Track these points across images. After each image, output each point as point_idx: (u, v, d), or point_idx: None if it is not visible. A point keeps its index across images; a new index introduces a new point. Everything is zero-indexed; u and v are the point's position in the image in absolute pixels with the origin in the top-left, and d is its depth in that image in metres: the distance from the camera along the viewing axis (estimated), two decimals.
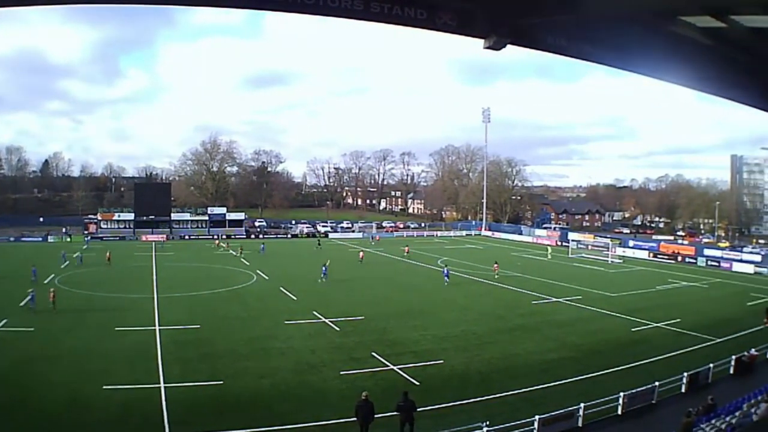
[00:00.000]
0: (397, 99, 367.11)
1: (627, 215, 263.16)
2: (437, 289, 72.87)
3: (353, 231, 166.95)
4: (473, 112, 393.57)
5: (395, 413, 28.57)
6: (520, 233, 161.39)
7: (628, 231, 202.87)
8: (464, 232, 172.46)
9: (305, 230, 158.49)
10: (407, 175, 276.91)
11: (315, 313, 55.72)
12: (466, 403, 33.51)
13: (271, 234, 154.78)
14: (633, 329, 53.39)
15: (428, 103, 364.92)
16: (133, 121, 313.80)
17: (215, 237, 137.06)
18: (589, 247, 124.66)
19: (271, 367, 39.72)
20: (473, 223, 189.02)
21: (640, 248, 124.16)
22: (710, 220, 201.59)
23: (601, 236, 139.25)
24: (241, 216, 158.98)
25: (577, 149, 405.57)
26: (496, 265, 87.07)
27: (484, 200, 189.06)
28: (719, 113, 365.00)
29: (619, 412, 32.45)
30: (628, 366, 41.26)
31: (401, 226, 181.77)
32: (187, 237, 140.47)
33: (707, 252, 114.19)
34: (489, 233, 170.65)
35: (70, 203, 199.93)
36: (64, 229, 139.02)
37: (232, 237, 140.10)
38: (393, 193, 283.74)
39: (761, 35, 21.24)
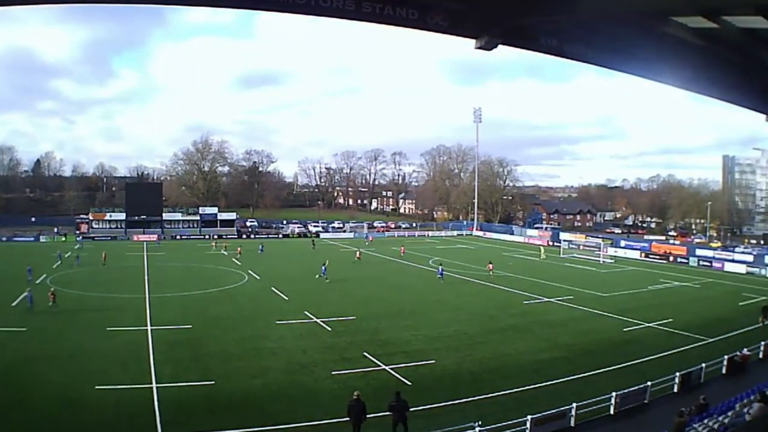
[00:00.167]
0: (388, 99, 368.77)
1: (618, 215, 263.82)
2: (429, 289, 72.91)
3: (344, 231, 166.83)
4: (464, 112, 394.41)
5: (387, 413, 28.55)
6: (512, 233, 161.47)
7: (620, 231, 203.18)
8: (455, 232, 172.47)
9: (296, 230, 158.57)
10: (398, 175, 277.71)
11: (306, 313, 55.67)
12: (457, 403, 33.50)
13: (263, 234, 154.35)
14: (625, 329, 53.44)
15: (419, 103, 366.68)
16: (124, 120, 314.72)
17: (213, 238, 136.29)
18: (581, 247, 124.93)
19: (262, 367, 39.67)
20: (464, 223, 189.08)
21: (632, 248, 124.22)
22: (702, 221, 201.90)
23: (592, 236, 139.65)
24: (232, 216, 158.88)
25: (569, 149, 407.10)
26: (490, 265, 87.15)
27: (476, 200, 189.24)
28: (711, 114, 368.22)
29: (612, 411, 32.48)
30: (620, 366, 41.30)
31: (392, 226, 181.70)
32: (178, 237, 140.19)
33: (699, 252, 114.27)
34: (480, 233, 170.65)
35: (61, 203, 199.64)
36: (56, 229, 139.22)
37: (224, 237, 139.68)
38: (384, 193, 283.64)
39: (753, 36, 21.27)
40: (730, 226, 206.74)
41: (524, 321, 55.82)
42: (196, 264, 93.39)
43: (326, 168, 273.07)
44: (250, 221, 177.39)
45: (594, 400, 32.09)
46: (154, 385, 35.30)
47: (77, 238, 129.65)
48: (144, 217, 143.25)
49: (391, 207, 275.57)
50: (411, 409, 28.73)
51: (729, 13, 19.59)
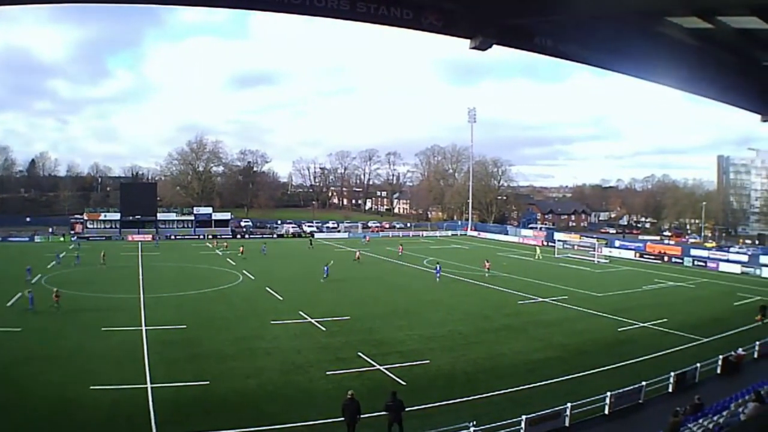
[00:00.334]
0: (383, 99, 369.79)
1: (613, 215, 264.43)
2: (423, 289, 72.97)
3: (339, 231, 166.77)
4: (459, 112, 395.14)
5: (382, 413, 28.55)
6: (506, 233, 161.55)
7: (615, 231, 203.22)
8: (450, 232, 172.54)
9: (291, 230, 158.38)
10: (393, 175, 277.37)
11: (301, 313, 55.61)
12: (452, 403, 33.50)
13: (257, 234, 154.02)
14: (620, 329, 53.46)
15: (414, 103, 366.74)
16: (119, 120, 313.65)
17: (213, 238, 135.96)
18: (575, 247, 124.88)
19: (257, 368, 39.62)
20: (459, 223, 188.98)
21: (627, 248, 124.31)
22: (697, 221, 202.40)
23: (587, 236, 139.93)
24: (227, 216, 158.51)
25: (563, 149, 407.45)
26: (487, 263, 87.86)
27: (470, 200, 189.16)
28: (706, 114, 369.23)
29: (606, 411, 32.49)
30: (614, 366, 41.30)
31: (387, 226, 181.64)
32: (173, 237, 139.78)
33: (694, 252, 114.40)
34: (475, 233, 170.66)
35: (56, 203, 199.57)
36: (50, 229, 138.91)
37: (219, 237, 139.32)
38: (379, 193, 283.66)
39: (748, 36, 21.29)
40: (725, 226, 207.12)
41: (519, 321, 55.81)
42: (191, 264, 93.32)
43: (321, 168, 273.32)
44: (245, 221, 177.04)
45: (589, 399, 32.09)
46: (149, 385, 35.22)
47: (71, 239, 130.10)
48: (138, 217, 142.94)
49: (385, 207, 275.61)
50: (406, 409, 28.67)
51: (724, 13, 19.61)
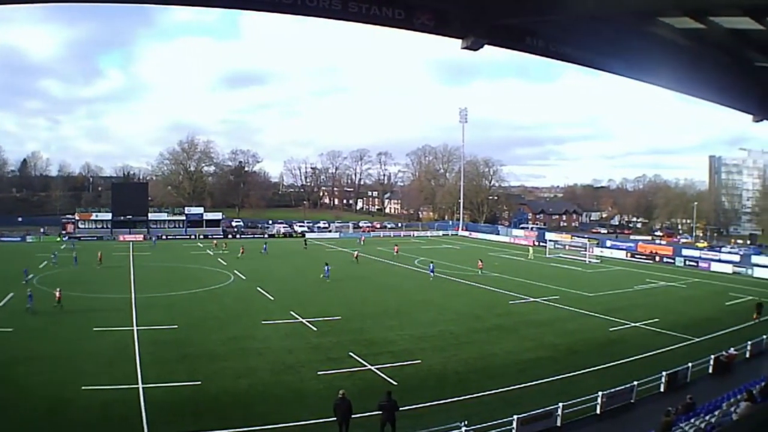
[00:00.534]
0: (374, 99, 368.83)
1: (605, 215, 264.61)
2: (414, 289, 73.00)
3: (330, 231, 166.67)
4: (450, 112, 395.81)
5: (373, 413, 28.63)
6: (497, 233, 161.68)
7: (606, 231, 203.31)
8: (441, 232, 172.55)
9: (282, 230, 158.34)
10: (384, 175, 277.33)
11: (292, 313, 55.58)
12: (443, 403, 33.51)
13: (248, 234, 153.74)
14: (611, 329, 53.53)
15: (406, 103, 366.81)
16: (110, 120, 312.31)
17: (215, 239, 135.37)
18: (567, 247, 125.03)
19: (248, 368, 39.59)
20: (450, 223, 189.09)
21: (618, 248, 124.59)
22: (688, 221, 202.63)
23: (578, 236, 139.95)
24: (218, 216, 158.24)
25: (555, 149, 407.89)
26: (480, 263, 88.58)
27: (461, 200, 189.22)
28: (698, 114, 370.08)
29: (598, 411, 32.55)
30: (606, 365, 41.37)
31: (378, 226, 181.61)
32: (164, 237, 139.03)
33: (685, 252, 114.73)
34: (466, 233, 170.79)
35: (48, 203, 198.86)
36: (42, 229, 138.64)
37: (210, 237, 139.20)
38: (370, 193, 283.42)
39: (741, 37, 21.29)
40: (717, 226, 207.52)
41: (510, 321, 55.86)
42: (182, 264, 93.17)
43: (312, 168, 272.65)
44: (236, 221, 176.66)
45: (580, 399, 32.15)
46: (140, 385, 35.16)
47: (64, 238, 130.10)
48: (130, 217, 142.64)
49: (376, 207, 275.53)
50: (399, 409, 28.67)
51: (716, 13, 19.61)
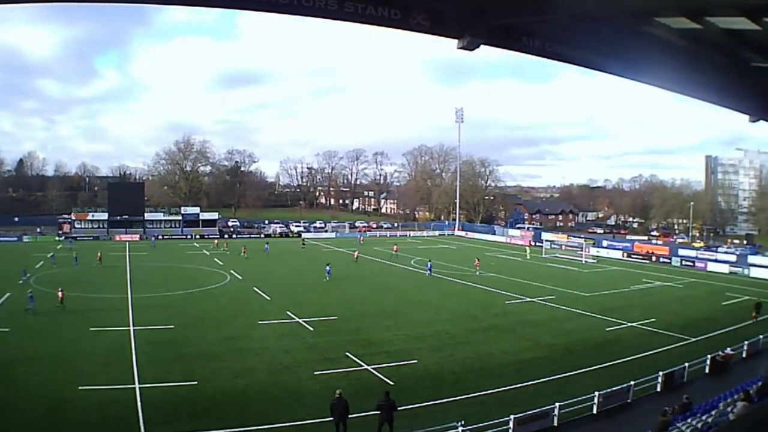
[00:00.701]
0: (370, 99, 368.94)
1: (601, 215, 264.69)
2: (411, 289, 73.05)
3: (326, 231, 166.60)
4: (446, 112, 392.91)
5: (370, 413, 28.65)
6: (494, 233, 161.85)
7: (602, 231, 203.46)
8: (437, 232, 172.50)
9: (278, 230, 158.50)
10: (380, 175, 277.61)
11: (289, 312, 55.58)
12: (440, 403, 33.54)
13: (245, 234, 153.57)
14: (608, 329, 53.59)
15: (402, 103, 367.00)
16: (106, 120, 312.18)
17: (216, 239, 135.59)
18: (563, 247, 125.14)
19: (245, 368, 39.59)
20: (446, 223, 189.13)
21: (614, 248, 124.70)
22: (684, 221, 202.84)
23: (574, 236, 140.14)
24: (214, 216, 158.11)
25: (551, 149, 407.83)
26: (477, 262, 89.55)
27: (457, 200, 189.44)
28: (695, 114, 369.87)
29: (594, 411, 32.59)
30: (602, 365, 41.41)
31: (374, 226, 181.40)
32: (160, 237, 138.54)
33: (682, 252, 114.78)
34: (462, 233, 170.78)
35: (44, 203, 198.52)
36: (38, 229, 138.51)
37: (206, 237, 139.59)
38: (366, 193, 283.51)
39: (737, 37, 21.30)
40: (713, 226, 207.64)
41: (506, 321, 55.90)
42: (178, 264, 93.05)
43: (308, 168, 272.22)
44: (232, 221, 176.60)
45: (577, 399, 32.19)
46: (137, 385, 35.14)
47: (60, 238, 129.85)
48: (126, 216, 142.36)
49: (372, 207, 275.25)
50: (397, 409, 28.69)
51: (712, 13, 19.62)
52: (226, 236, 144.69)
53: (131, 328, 48.98)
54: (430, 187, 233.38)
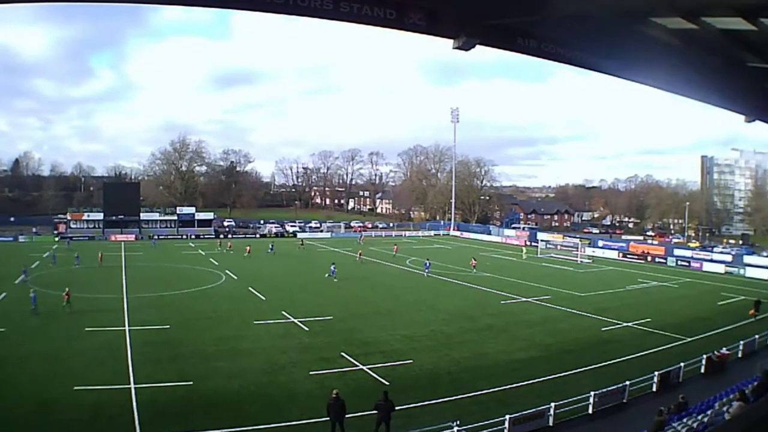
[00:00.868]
0: (366, 98, 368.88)
1: (596, 215, 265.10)
2: (406, 289, 73.09)
3: (321, 231, 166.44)
4: (442, 112, 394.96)
5: (366, 413, 28.72)
6: (489, 233, 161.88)
7: (598, 231, 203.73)
8: (432, 232, 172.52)
9: (273, 230, 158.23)
10: (375, 175, 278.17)
11: (284, 313, 55.53)
12: (435, 403, 33.55)
13: (240, 234, 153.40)
14: (603, 329, 53.64)
15: (397, 103, 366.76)
16: (102, 120, 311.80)
17: (219, 238, 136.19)
18: (558, 247, 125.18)
19: (240, 368, 39.49)
20: (442, 223, 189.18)
21: (610, 248, 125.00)
22: (680, 221, 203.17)
23: (570, 236, 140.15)
24: (210, 216, 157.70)
25: (546, 149, 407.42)
26: (474, 261, 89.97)
27: (453, 200, 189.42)
28: (690, 114, 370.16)
29: (590, 411, 32.62)
30: (598, 365, 41.46)
31: (369, 226, 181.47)
32: (156, 237, 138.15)
33: (677, 252, 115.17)
34: (457, 233, 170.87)
35: (40, 203, 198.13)
36: (34, 229, 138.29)
37: (201, 237, 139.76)
38: (361, 193, 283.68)
39: (733, 37, 21.30)
40: (709, 226, 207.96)
41: (502, 321, 55.88)
42: (174, 264, 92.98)
43: (303, 168, 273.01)
44: (228, 221, 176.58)
45: (572, 399, 32.23)
46: (132, 385, 35.11)
47: (56, 238, 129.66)
48: (122, 216, 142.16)
49: (368, 207, 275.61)
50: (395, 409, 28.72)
51: (708, 14, 19.59)
52: (221, 236, 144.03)
53: (126, 328, 48.88)
54: (425, 187, 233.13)
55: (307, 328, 50.30)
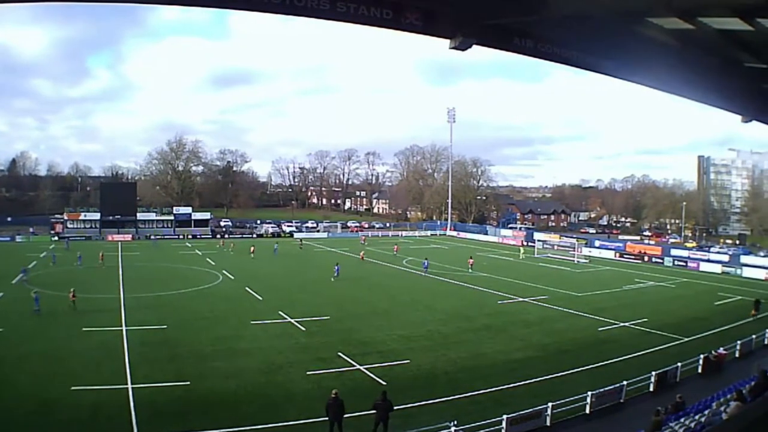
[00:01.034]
0: (363, 98, 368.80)
1: (593, 215, 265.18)
2: (403, 289, 73.06)
3: (318, 231, 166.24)
4: (439, 112, 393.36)
5: (363, 413, 28.74)
6: (486, 233, 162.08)
7: (594, 231, 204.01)
8: (429, 232, 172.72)
9: (270, 230, 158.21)
10: (372, 174, 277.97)
11: (281, 313, 55.51)
12: (433, 403, 33.54)
13: (237, 234, 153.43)
14: (600, 329, 53.63)
15: (394, 103, 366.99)
16: (99, 120, 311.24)
17: (222, 238, 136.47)
18: (555, 247, 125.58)
19: (237, 368, 39.45)
20: (438, 223, 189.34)
21: (607, 248, 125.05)
22: (677, 221, 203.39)
23: (567, 236, 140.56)
24: (206, 216, 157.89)
25: (543, 149, 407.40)
26: (471, 261, 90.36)
27: (449, 200, 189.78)
28: (687, 114, 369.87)
29: (587, 411, 32.63)
30: (595, 365, 41.46)
31: (366, 226, 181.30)
32: (152, 237, 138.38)
33: (674, 252, 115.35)
34: (454, 233, 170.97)
35: (37, 203, 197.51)
36: (31, 229, 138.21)
37: (198, 237, 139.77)
38: (358, 193, 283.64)
39: (730, 37, 21.32)
40: (706, 226, 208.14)
41: (499, 321, 55.89)
42: (171, 264, 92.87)
43: (300, 168, 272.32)
44: (224, 221, 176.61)
45: (569, 399, 32.22)
46: (129, 385, 35.06)
47: (53, 238, 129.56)
48: (118, 216, 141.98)
49: (364, 207, 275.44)
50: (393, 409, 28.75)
51: (705, 14, 19.62)
52: (221, 236, 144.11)
53: (124, 328, 48.81)
54: (422, 187, 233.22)
55: (304, 328, 50.27)
